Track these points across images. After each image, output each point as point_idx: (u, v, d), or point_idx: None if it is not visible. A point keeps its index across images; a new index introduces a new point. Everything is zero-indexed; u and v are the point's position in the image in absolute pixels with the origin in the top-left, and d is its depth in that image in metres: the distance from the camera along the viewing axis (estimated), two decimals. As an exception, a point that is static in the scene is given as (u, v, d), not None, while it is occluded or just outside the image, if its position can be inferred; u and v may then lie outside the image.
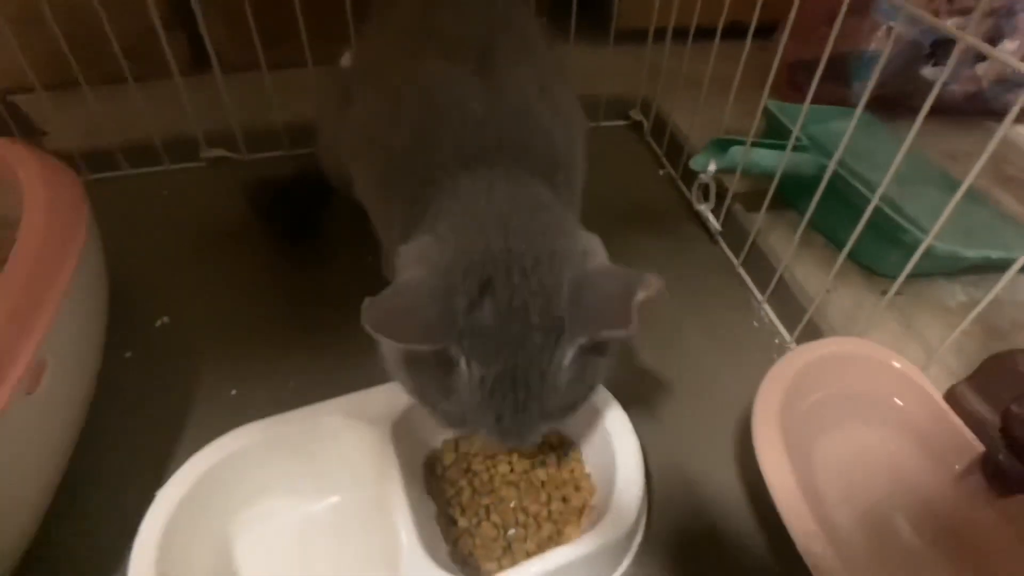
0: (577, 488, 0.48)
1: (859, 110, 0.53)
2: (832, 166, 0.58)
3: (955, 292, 0.75)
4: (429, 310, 0.33)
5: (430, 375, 0.35)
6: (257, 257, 0.69)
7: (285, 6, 0.73)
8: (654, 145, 0.92)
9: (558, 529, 0.45)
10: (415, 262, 0.36)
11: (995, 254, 0.71)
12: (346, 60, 0.61)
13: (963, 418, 0.45)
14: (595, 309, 0.34)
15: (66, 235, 0.48)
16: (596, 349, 0.36)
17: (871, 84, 0.53)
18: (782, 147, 0.69)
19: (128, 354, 0.58)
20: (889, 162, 0.51)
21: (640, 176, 0.87)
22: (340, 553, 0.44)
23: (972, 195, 0.87)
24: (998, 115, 1.08)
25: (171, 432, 0.52)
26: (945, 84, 1.04)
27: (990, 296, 0.45)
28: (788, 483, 0.39)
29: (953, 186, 0.45)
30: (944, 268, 0.75)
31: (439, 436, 0.50)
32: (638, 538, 0.45)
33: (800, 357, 0.48)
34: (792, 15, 0.62)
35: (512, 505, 0.47)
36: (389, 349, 0.37)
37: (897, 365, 0.49)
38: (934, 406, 0.47)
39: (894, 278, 0.59)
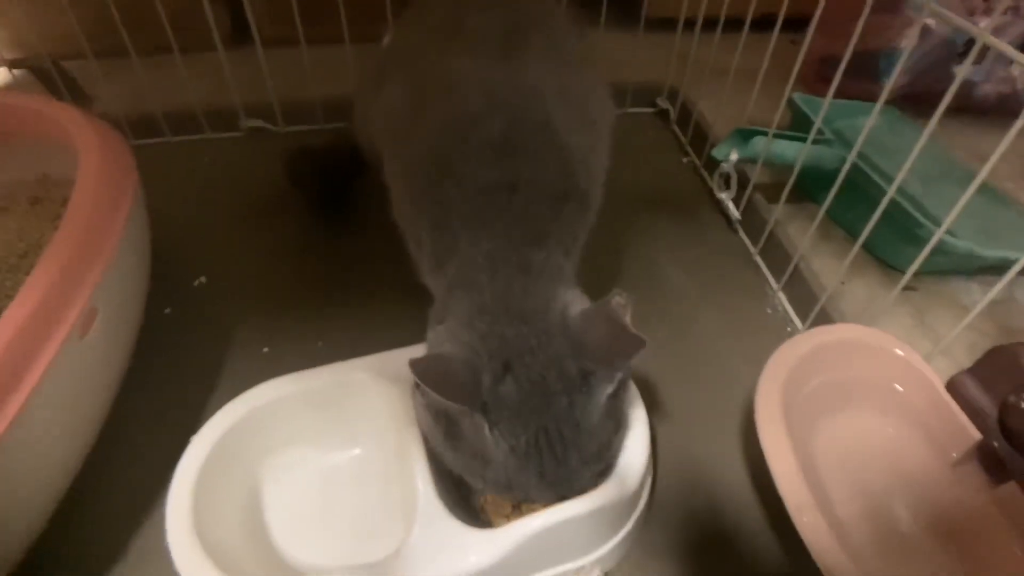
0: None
1: (879, 105, 0.54)
2: (851, 158, 0.59)
3: (971, 291, 0.75)
4: (461, 376, 0.37)
5: (468, 447, 0.39)
6: (290, 224, 0.73)
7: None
8: (679, 133, 0.93)
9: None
10: (447, 341, 0.40)
11: (1014, 255, 0.70)
12: (387, 40, 0.63)
13: (963, 407, 0.46)
14: (609, 351, 0.37)
15: (117, 194, 0.51)
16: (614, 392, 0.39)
17: (891, 81, 0.54)
18: (804, 139, 0.70)
19: (168, 310, 0.62)
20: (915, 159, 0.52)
21: (664, 163, 0.89)
22: (360, 500, 0.47)
23: (999, 197, 0.88)
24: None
25: (206, 384, 0.56)
26: (978, 84, 1.04)
27: (996, 289, 0.46)
28: (786, 456, 0.41)
29: (979, 187, 0.46)
30: (962, 266, 0.75)
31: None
32: (641, 504, 0.47)
33: (804, 342, 0.49)
34: (819, 10, 0.64)
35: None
36: (433, 433, 0.41)
37: (900, 352, 0.50)
38: (934, 394, 0.48)
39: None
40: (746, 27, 0.72)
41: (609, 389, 0.39)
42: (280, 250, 0.70)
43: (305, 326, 0.61)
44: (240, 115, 0.84)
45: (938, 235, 0.51)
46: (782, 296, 0.69)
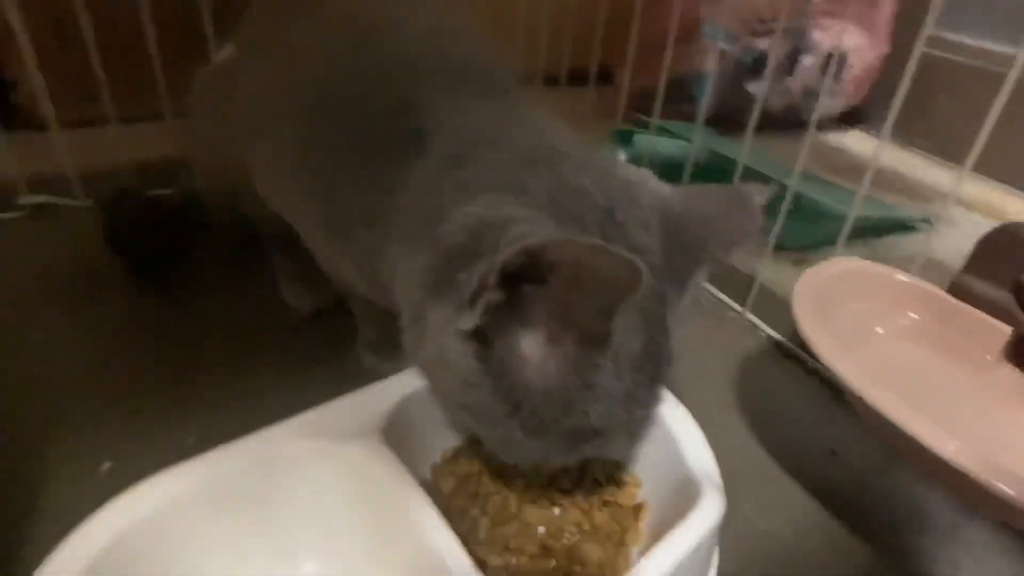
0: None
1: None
2: (742, 155, 0.63)
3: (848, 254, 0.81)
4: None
5: (564, 370, 0.25)
6: (107, 303, 0.53)
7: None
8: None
9: (620, 537, 0.35)
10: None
11: (876, 214, 0.81)
12: (226, 52, 0.51)
13: (976, 307, 0.44)
14: (716, 227, 0.28)
15: None
16: None
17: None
18: (682, 139, 0.73)
19: None
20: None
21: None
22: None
23: (823, 182, 0.98)
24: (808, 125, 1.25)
25: (14, 538, 0.33)
26: (766, 99, 1.18)
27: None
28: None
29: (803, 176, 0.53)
30: (833, 236, 0.81)
31: (428, 457, 0.37)
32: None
33: (815, 276, 0.45)
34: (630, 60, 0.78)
35: (541, 531, 0.35)
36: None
37: (903, 278, 0.48)
38: (946, 305, 0.46)
39: (795, 249, 0.73)
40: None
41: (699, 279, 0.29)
42: (100, 334, 0.50)
43: (162, 422, 0.42)
44: (20, 189, 0.63)
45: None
46: (709, 286, 0.67)
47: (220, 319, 0.53)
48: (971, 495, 0.36)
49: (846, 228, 0.53)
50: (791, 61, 1.11)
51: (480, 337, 0.25)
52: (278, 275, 0.56)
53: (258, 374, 0.47)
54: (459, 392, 0.27)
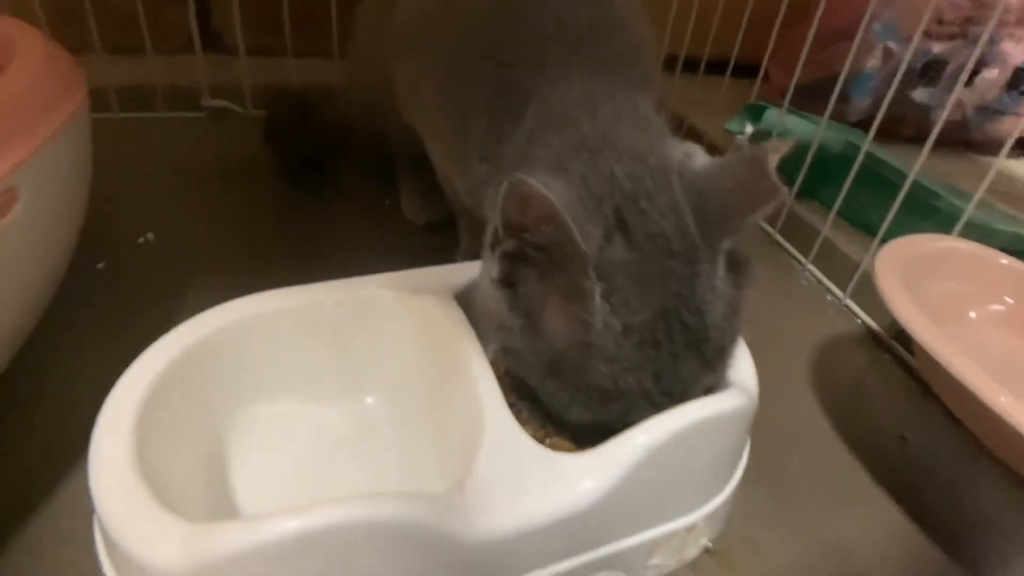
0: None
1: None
2: (865, 145, 0.61)
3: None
4: (570, 214, 0.27)
5: (560, 332, 0.29)
6: (257, 190, 0.65)
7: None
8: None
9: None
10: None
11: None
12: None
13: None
14: (734, 196, 0.29)
15: (57, 91, 0.40)
16: (737, 280, 0.31)
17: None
18: (813, 120, 0.71)
19: (101, 265, 0.50)
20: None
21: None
22: (371, 465, 0.35)
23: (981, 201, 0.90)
24: (976, 146, 1.13)
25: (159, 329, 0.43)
26: (933, 109, 1.09)
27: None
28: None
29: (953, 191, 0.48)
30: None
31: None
32: (747, 446, 0.37)
33: (906, 248, 0.44)
34: (768, 52, 0.77)
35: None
36: (504, 318, 0.30)
37: (1005, 262, 0.45)
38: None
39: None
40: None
41: (724, 251, 0.30)
42: (247, 213, 0.61)
43: (280, 283, 0.50)
44: (203, 93, 0.76)
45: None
46: (813, 268, 0.65)
47: (345, 219, 0.62)
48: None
49: (959, 224, 0.50)
50: (970, 71, 1.01)
51: (511, 286, 0.30)
52: (400, 190, 0.63)
53: (367, 266, 0.53)
54: (498, 335, 0.31)
